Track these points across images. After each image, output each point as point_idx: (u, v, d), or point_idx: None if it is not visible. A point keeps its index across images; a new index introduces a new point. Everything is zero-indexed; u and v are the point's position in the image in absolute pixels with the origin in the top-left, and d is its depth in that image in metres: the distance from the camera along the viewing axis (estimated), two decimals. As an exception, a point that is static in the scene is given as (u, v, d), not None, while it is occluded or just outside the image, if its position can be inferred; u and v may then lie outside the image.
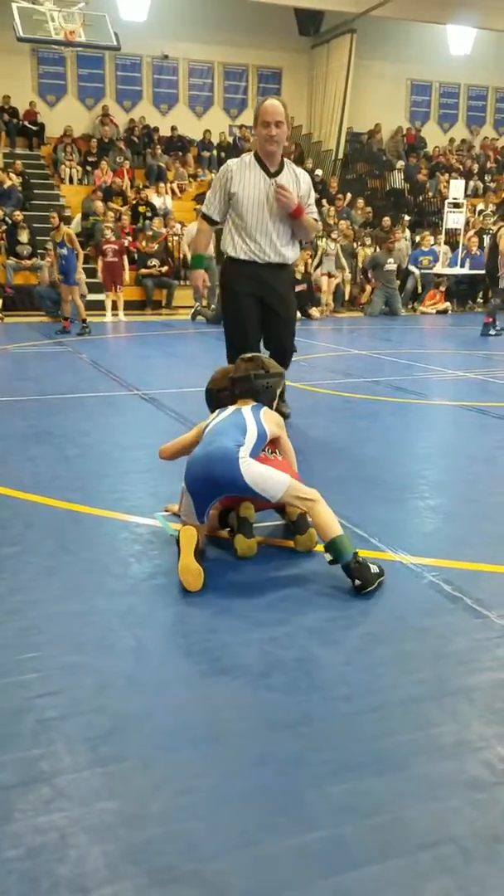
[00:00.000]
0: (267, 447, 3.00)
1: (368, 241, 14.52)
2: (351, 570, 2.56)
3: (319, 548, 2.87)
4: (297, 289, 12.89)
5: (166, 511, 3.27)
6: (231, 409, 2.99)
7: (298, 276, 12.90)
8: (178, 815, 1.57)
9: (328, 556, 2.62)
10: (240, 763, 1.73)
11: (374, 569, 2.58)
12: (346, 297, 14.38)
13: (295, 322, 4.67)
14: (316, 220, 4.45)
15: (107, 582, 2.68)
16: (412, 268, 14.69)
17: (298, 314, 12.64)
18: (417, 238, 15.45)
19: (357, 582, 2.54)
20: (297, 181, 4.29)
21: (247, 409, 2.95)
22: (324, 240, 14.08)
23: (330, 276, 13.87)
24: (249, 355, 3.25)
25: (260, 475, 2.68)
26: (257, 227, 4.24)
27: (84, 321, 10.17)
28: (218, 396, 3.19)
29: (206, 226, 4.41)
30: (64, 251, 10.07)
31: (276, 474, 2.72)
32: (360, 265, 14.35)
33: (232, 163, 4.30)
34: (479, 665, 2.14)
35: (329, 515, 2.66)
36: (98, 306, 12.12)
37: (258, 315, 4.39)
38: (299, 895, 1.39)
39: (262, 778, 1.68)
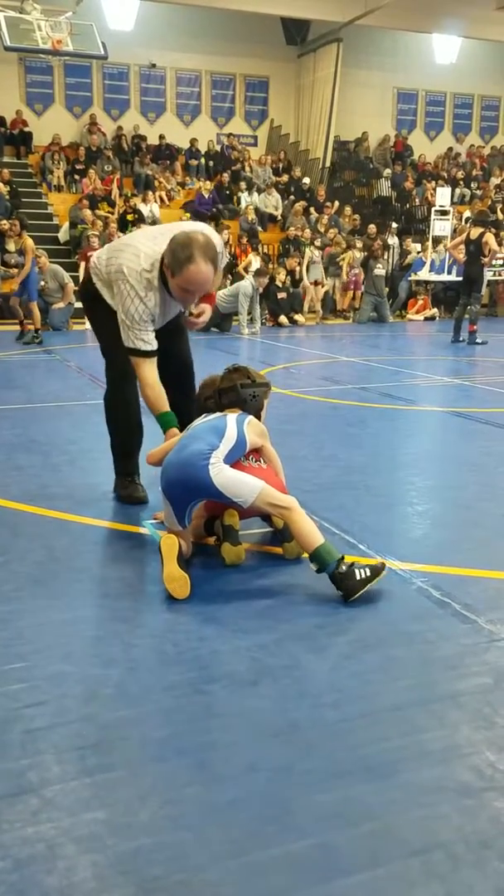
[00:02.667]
0: (251, 456, 2.99)
1: (359, 244, 14.58)
2: (335, 579, 2.55)
3: (307, 555, 2.87)
4: (280, 296, 12.95)
5: (154, 519, 3.27)
6: (216, 414, 2.99)
7: (280, 285, 12.95)
8: (167, 824, 1.56)
9: (313, 567, 2.61)
10: (228, 772, 1.73)
11: (363, 573, 2.56)
12: (343, 306, 14.44)
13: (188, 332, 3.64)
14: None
15: (95, 590, 2.67)
16: (414, 276, 14.73)
17: (286, 320, 12.88)
18: (407, 245, 15.53)
19: (340, 591, 2.54)
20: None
21: (231, 416, 2.95)
22: (309, 248, 14.14)
23: (317, 283, 13.90)
24: (235, 366, 3.25)
25: (230, 480, 2.67)
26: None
27: (37, 331, 10.04)
28: (204, 405, 3.19)
29: (151, 366, 3.17)
30: (22, 259, 9.87)
31: (249, 479, 2.69)
32: (346, 270, 14.40)
33: (147, 300, 3.09)
34: (467, 670, 2.14)
35: (307, 524, 2.64)
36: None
37: None
38: (288, 904, 1.39)
39: (251, 786, 1.68)
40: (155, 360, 3.18)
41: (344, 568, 2.55)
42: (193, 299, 3.15)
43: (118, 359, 3.31)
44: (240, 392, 3.06)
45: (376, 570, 2.59)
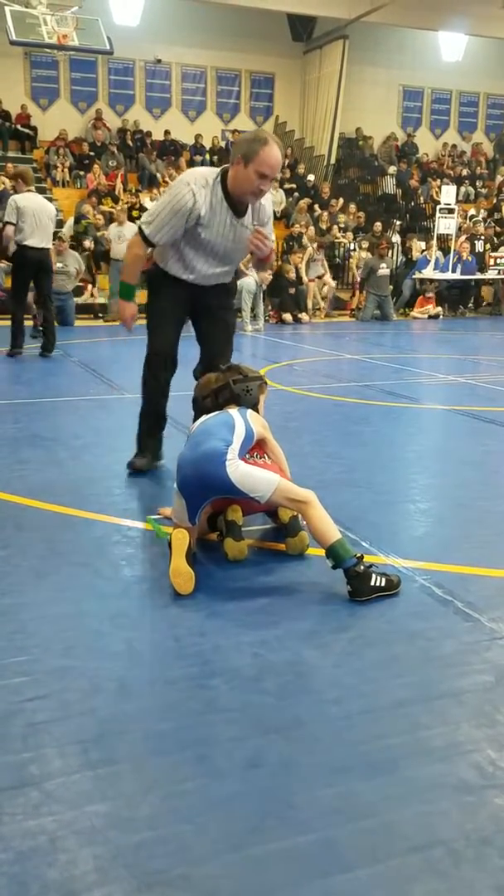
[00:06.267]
0: (255, 451, 3.00)
1: (365, 244, 14.53)
2: (350, 575, 2.54)
3: (311, 550, 2.88)
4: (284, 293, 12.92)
5: (158, 514, 3.27)
6: (219, 412, 3.01)
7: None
8: (169, 818, 1.57)
9: (329, 562, 2.59)
10: (230, 766, 1.73)
11: (379, 581, 2.55)
12: (351, 305, 14.42)
13: (232, 330, 3.97)
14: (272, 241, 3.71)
15: (97, 585, 2.68)
16: (418, 274, 14.70)
17: (290, 317, 12.87)
18: (411, 244, 15.50)
19: (348, 588, 2.54)
20: (261, 207, 3.60)
21: (233, 410, 2.97)
22: (310, 245, 14.10)
23: (320, 278, 13.87)
24: (227, 364, 3.28)
25: (247, 475, 2.67)
26: (210, 263, 3.66)
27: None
28: (203, 404, 3.21)
29: (144, 250, 3.59)
30: None
31: (265, 474, 2.71)
32: (354, 267, 14.39)
33: (198, 194, 3.39)
34: (468, 668, 2.14)
35: (324, 520, 2.63)
36: (87, 309, 12.15)
37: (182, 317, 3.87)
38: (289, 898, 1.39)
39: (252, 781, 1.68)
40: (147, 250, 3.59)
41: (362, 568, 2.54)
42: (266, 189, 3.35)
43: (155, 340, 3.76)
44: (233, 388, 3.09)
45: (391, 584, 2.58)
